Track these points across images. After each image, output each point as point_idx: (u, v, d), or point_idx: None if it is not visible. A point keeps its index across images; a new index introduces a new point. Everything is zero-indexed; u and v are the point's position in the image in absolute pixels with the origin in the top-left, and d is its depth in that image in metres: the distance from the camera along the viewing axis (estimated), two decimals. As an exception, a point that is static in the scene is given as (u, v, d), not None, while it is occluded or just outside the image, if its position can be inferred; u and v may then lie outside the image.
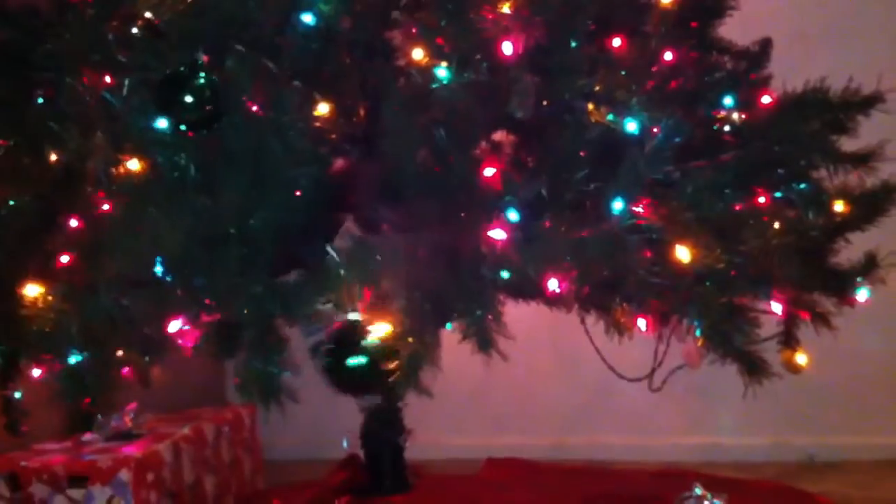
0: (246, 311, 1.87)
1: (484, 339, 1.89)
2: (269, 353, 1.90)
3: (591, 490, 2.78)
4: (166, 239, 1.80)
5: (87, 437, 2.63)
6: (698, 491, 2.36)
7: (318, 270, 1.81)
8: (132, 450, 2.50)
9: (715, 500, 2.33)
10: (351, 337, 1.87)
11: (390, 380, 1.82)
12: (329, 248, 1.82)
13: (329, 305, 1.84)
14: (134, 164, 1.81)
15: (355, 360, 1.88)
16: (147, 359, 2.15)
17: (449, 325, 1.95)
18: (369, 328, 1.84)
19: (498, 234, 1.83)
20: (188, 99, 1.74)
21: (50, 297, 1.87)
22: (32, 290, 1.89)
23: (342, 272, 1.78)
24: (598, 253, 1.86)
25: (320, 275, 1.80)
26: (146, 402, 2.72)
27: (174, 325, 1.90)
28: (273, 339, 1.91)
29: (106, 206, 1.86)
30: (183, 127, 1.76)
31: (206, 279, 1.87)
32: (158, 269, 1.88)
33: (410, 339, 1.81)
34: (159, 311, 1.88)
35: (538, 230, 1.85)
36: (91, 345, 1.93)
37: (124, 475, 2.39)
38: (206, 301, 1.88)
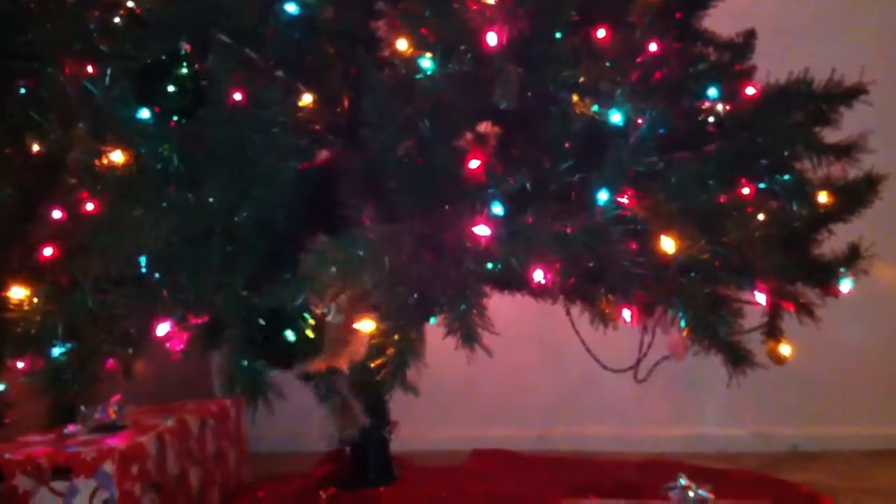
0: (228, 308, 1.87)
1: (468, 333, 1.88)
2: (255, 351, 1.89)
3: (576, 480, 2.79)
4: (149, 236, 1.79)
5: (71, 428, 2.61)
6: (683, 481, 2.36)
7: (299, 266, 1.81)
8: (116, 442, 2.49)
9: (699, 491, 2.34)
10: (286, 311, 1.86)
11: (377, 377, 1.81)
12: (311, 242, 1.81)
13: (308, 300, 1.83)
14: (116, 155, 1.80)
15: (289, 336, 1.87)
16: (131, 351, 2.14)
17: (433, 320, 1.94)
18: (354, 326, 1.84)
19: (482, 230, 1.83)
20: (169, 88, 1.73)
21: (35, 299, 1.86)
22: (17, 293, 1.89)
23: (323, 268, 1.77)
24: (582, 245, 1.86)
25: (301, 271, 1.79)
26: (130, 395, 2.71)
27: (162, 329, 1.89)
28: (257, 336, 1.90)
29: (90, 206, 1.85)
30: (165, 117, 1.75)
31: (189, 276, 1.86)
32: (142, 267, 1.88)
33: (395, 336, 1.81)
34: (144, 310, 1.87)
35: (522, 224, 1.85)
36: (74, 340, 1.92)
37: (108, 467, 2.39)
38: (190, 298, 1.87)
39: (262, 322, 1.86)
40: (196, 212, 1.80)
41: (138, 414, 2.74)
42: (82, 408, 2.60)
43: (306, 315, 1.83)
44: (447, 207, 1.90)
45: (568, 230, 1.87)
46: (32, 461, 2.41)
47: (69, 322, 1.88)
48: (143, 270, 1.90)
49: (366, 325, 1.84)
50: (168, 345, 1.94)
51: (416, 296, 1.85)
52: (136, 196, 1.80)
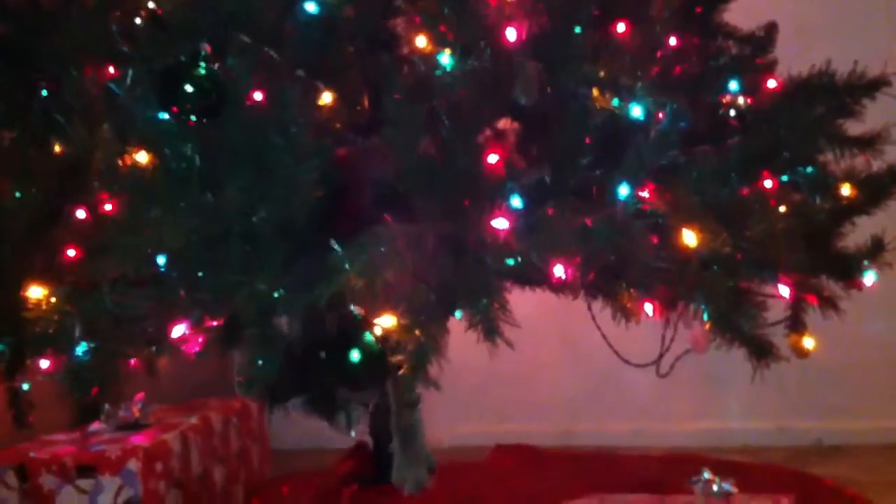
0: (247, 308, 1.87)
1: (490, 327, 1.88)
2: (272, 352, 1.90)
3: (599, 476, 2.79)
4: (168, 236, 1.79)
5: (95, 427, 2.63)
6: (706, 475, 2.36)
7: (321, 265, 1.81)
8: (140, 440, 2.51)
9: (723, 484, 2.33)
10: (350, 333, 1.87)
11: (399, 373, 1.81)
12: (332, 242, 1.81)
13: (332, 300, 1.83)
14: (140, 157, 1.80)
15: (355, 356, 1.88)
16: (154, 349, 2.15)
17: (458, 314, 1.94)
18: (374, 321, 1.84)
19: (501, 223, 1.82)
20: (188, 89, 1.73)
21: (53, 299, 1.87)
22: (36, 292, 1.89)
23: (346, 266, 1.77)
24: (602, 239, 1.85)
25: (323, 269, 1.80)
26: (154, 393, 2.73)
27: (178, 330, 1.90)
28: (276, 338, 1.90)
29: (109, 206, 1.86)
30: (184, 117, 1.76)
31: (207, 275, 1.86)
32: (161, 267, 1.88)
33: (417, 332, 1.81)
34: (161, 310, 1.88)
35: (541, 217, 1.84)
36: (93, 340, 1.93)
37: (133, 465, 2.40)
38: (207, 299, 1.87)
39: (325, 347, 1.87)
40: (215, 212, 1.81)
41: (162, 412, 2.76)
42: (106, 406, 2.62)
43: (367, 335, 1.84)
44: (467, 203, 1.90)
45: (588, 223, 1.86)
46: (57, 460, 2.42)
47: (87, 322, 1.88)
48: (162, 270, 1.91)
49: (386, 321, 1.84)
50: (183, 347, 1.94)
51: (437, 292, 1.85)
52: (156, 197, 1.80)
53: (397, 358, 1.82)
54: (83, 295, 1.87)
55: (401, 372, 1.81)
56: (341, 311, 1.88)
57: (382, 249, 1.76)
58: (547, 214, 1.85)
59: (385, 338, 1.82)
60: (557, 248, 1.85)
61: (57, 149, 2.04)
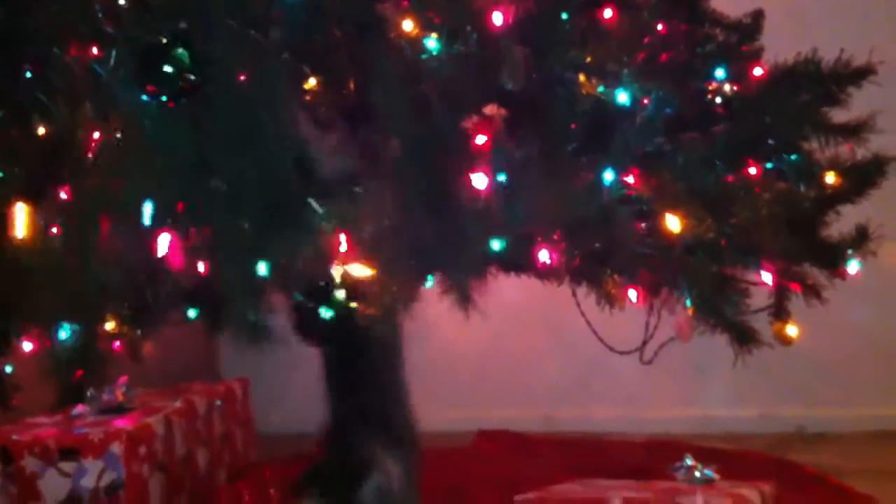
0: (232, 259, 1.87)
1: (464, 294, 1.88)
2: (254, 300, 1.89)
3: (582, 461, 2.80)
4: (153, 170, 1.79)
5: (79, 410, 2.63)
6: (689, 461, 2.37)
7: (299, 217, 1.80)
8: (124, 423, 2.51)
9: (705, 471, 2.35)
10: (323, 290, 1.86)
11: (368, 321, 1.81)
12: (310, 199, 1.81)
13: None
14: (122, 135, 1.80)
15: (327, 312, 1.87)
16: (139, 332, 2.15)
17: (430, 279, 1.94)
18: (348, 269, 1.82)
19: (480, 180, 1.82)
20: (167, 70, 1.73)
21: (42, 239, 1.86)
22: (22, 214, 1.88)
23: (323, 219, 1.77)
24: (584, 209, 1.85)
25: (301, 222, 1.79)
26: (137, 378, 2.72)
27: (163, 243, 1.88)
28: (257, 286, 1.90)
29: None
30: (162, 98, 1.75)
31: (193, 222, 1.86)
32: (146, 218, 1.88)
33: (389, 283, 1.80)
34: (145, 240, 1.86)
35: (522, 179, 1.84)
36: (82, 301, 1.92)
37: (116, 448, 2.40)
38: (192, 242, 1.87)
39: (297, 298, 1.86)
40: (199, 150, 1.81)
41: (145, 396, 2.75)
42: (90, 390, 2.61)
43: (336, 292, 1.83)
44: (448, 164, 1.88)
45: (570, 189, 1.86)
46: (40, 442, 2.42)
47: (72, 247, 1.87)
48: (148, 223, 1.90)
49: (361, 270, 1.83)
50: (169, 261, 1.92)
51: (413, 253, 1.84)
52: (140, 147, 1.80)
53: (368, 308, 1.81)
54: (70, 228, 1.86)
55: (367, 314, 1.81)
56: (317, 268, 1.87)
57: (361, 205, 1.76)
58: (529, 177, 1.84)
59: (358, 289, 1.82)
60: (538, 215, 1.84)
61: (41, 130, 2.03)
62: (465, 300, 1.89)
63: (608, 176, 1.91)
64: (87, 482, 2.40)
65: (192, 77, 1.74)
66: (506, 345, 3.51)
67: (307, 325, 2.05)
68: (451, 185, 1.85)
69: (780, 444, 2.99)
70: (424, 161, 1.87)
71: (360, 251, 1.80)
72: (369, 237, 1.79)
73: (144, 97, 1.76)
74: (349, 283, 1.84)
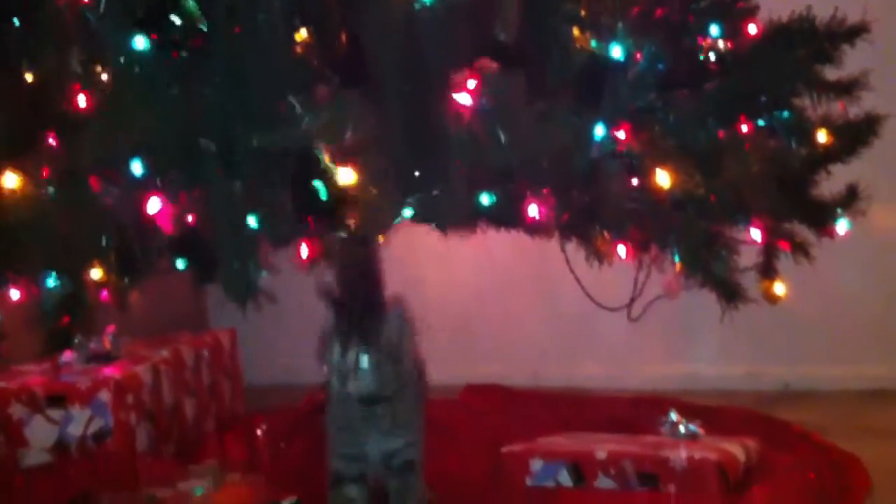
0: (221, 210, 1.86)
1: (443, 218, 1.88)
2: (245, 252, 1.89)
3: (568, 416, 2.82)
4: (143, 125, 1.78)
5: (66, 358, 2.63)
6: (674, 417, 2.39)
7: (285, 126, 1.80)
8: (111, 371, 2.51)
9: (690, 426, 2.37)
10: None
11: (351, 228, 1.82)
12: (294, 101, 1.80)
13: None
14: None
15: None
16: (126, 281, 2.14)
17: (408, 210, 1.93)
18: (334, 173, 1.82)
19: (464, 98, 1.81)
20: (175, 21, 1.71)
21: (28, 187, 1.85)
22: (11, 180, 1.87)
23: (307, 119, 1.76)
24: (567, 127, 1.84)
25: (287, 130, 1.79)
26: (125, 328, 2.72)
27: (153, 205, 1.87)
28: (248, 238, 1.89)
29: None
30: (168, 49, 1.74)
31: (184, 172, 1.85)
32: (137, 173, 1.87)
33: (373, 190, 1.80)
34: (136, 196, 1.85)
35: (507, 100, 1.83)
36: (70, 252, 1.91)
37: (104, 396, 2.41)
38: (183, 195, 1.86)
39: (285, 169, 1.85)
40: (189, 107, 1.79)
41: (133, 345, 2.75)
42: (77, 338, 2.61)
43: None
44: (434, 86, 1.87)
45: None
46: (27, 390, 2.43)
47: (63, 208, 1.86)
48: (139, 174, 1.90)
49: (346, 175, 1.83)
50: (159, 223, 1.91)
51: (395, 171, 1.84)
52: (130, 85, 1.78)
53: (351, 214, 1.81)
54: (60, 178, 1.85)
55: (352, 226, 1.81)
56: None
57: (345, 113, 1.75)
58: (513, 98, 1.83)
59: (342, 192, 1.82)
60: (521, 139, 1.83)
61: (29, 78, 2.01)
62: (443, 223, 1.89)
63: (599, 130, 1.90)
64: (75, 430, 2.41)
65: (201, 28, 1.72)
66: (493, 301, 3.52)
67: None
68: (435, 104, 1.83)
69: (765, 402, 3.01)
70: (409, 86, 1.85)
71: (344, 158, 1.79)
72: (353, 145, 1.78)
73: (145, 47, 1.75)
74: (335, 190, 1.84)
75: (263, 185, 1.87)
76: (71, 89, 1.81)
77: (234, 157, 1.84)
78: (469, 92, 1.82)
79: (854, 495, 2.18)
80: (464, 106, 1.82)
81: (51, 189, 1.88)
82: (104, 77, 1.80)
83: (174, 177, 1.86)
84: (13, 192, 1.84)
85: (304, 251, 2.07)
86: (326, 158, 1.82)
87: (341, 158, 1.81)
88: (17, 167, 1.85)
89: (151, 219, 1.88)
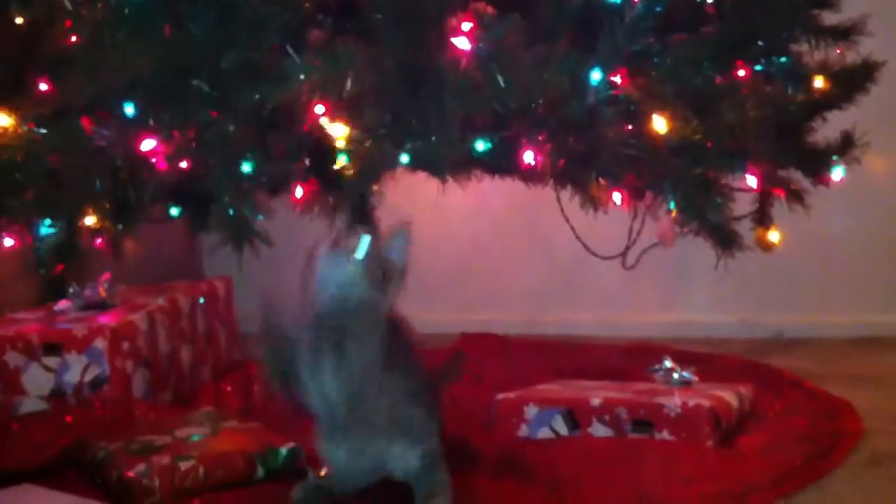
0: (215, 150, 1.85)
1: (440, 164, 1.88)
2: (240, 194, 1.89)
3: (563, 363, 2.83)
4: (133, 58, 1.76)
5: (61, 306, 2.63)
6: (668, 364, 2.40)
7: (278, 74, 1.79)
8: (107, 319, 2.51)
9: (683, 373, 2.38)
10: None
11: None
12: (289, 49, 1.79)
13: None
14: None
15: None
16: (120, 228, 2.13)
17: (405, 156, 1.92)
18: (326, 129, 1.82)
19: (462, 42, 1.80)
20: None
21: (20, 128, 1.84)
22: (2, 120, 1.85)
23: (301, 75, 1.75)
24: (565, 72, 1.83)
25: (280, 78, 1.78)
26: (120, 278, 2.72)
27: (147, 144, 1.86)
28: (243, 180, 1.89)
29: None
30: None
31: (176, 112, 1.84)
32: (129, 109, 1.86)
33: (367, 143, 1.79)
34: (129, 135, 1.85)
35: (504, 42, 1.81)
36: (63, 197, 1.90)
37: (99, 343, 2.41)
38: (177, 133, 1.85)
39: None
40: (181, 46, 1.78)
41: (128, 293, 2.75)
42: (72, 286, 2.61)
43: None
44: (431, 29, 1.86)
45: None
46: (23, 337, 2.42)
47: (55, 149, 1.85)
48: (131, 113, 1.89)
49: (338, 129, 1.82)
50: (153, 161, 1.91)
51: (391, 120, 1.83)
52: (120, 22, 1.77)
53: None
54: (52, 121, 1.84)
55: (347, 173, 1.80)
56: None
57: (340, 63, 1.74)
58: (508, 39, 1.81)
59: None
60: (521, 89, 1.81)
61: (19, 20, 1.99)
62: (441, 171, 1.89)
63: (596, 75, 1.89)
64: (71, 377, 2.41)
65: None
66: (487, 249, 3.52)
67: None
68: (431, 48, 1.82)
69: (758, 350, 3.02)
70: (404, 29, 1.84)
71: (338, 110, 1.78)
72: (347, 95, 1.77)
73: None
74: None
75: (257, 127, 1.86)
76: (62, 28, 1.80)
77: (228, 98, 1.83)
78: (466, 35, 1.81)
79: (846, 440, 2.19)
80: (461, 50, 1.81)
81: (42, 130, 1.87)
82: (95, 15, 1.78)
83: (167, 116, 1.85)
84: (4, 132, 1.82)
85: (299, 192, 2.06)
86: (322, 111, 1.81)
87: (338, 111, 1.80)
88: (8, 108, 1.84)
89: (145, 159, 1.87)
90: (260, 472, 2.04)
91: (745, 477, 2.01)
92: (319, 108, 1.81)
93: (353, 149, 1.81)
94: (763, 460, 2.09)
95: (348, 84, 1.78)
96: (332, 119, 1.81)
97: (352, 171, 1.82)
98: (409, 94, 1.86)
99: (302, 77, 1.76)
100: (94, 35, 1.79)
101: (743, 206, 2.27)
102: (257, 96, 1.81)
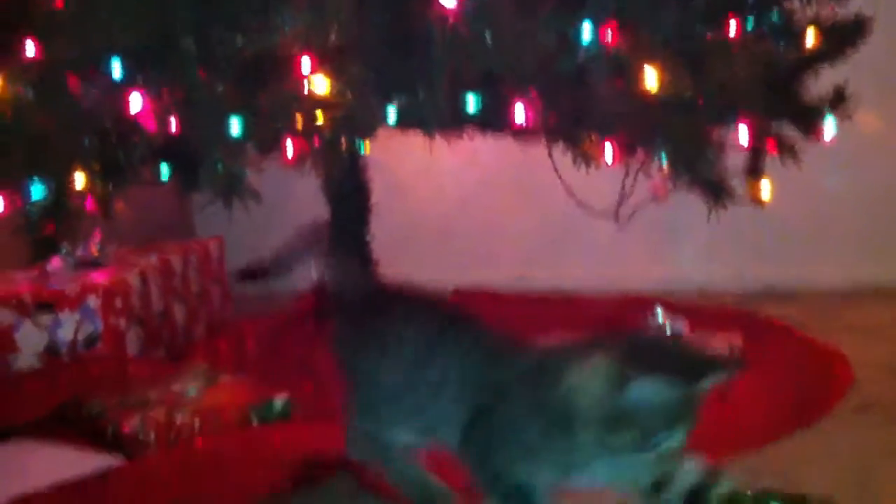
0: (205, 108, 1.84)
1: (428, 120, 1.87)
2: (229, 151, 1.88)
3: (555, 316, 2.84)
4: (121, 21, 1.75)
5: (54, 265, 2.63)
6: (659, 316, 2.42)
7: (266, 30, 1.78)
8: (99, 277, 2.51)
9: (675, 325, 2.39)
10: None
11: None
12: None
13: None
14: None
15: None
16: (110, 188, 2.13)
17: (392, 114, 1.91)
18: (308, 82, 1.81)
19: (448, 1, 1.79)
20: None
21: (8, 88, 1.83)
22: None
23: (285, 26, 1.75)
24: (554, 27, 1.82)
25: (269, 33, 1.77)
26: (112, 238, 2.72)
27: (135, 103, 1.85)
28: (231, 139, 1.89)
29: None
30: None
31: (164, 71, 1.83)
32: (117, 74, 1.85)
33: (349, 95, 1.79)
34: (117, 96, 1.84)
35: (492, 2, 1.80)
36: (52, 158, 1.90)
37: (92, 301, 2.41)
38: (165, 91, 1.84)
39: None
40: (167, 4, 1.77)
41: (120, 253, 2.75)
42: (63, 245, 2.60)
43: None
44: None
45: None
46: (16, 296, 2.43)
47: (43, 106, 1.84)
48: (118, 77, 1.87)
49: (321, 83, 1.81)
50: (141, 122, 1.90)
51: (377, 75, 1.83)
52: None
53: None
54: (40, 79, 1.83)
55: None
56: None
57: (326, 12, 1.73)
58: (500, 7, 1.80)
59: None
60: (508, 46, 1.81)
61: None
62: (429, 126, 1.88)
63: (586, 29, 1.88)
64: (65, 335, 2.42)
65: None
66: (478, 207, 3.52)
67: None
68: (418, 4, 1.81)
69: (750, 302, 3.04)
70: None
71: (322, 64, 1.77)
72: (332, 48, 1.76)
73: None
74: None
75: (245, 85, 1.85)
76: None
77: (215, 57, 1.81)
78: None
79: (837, 389, 2.21)
80: (447, 9, 1.80)
81: (30, 90, 1.86)
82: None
83: (155, 75, 1.83)
84: None
85: (290, 149, 2.05)
86: (306, 63, 1.80)
87: (322, 63, 1.79)
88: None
89: (133, 119, 1.86)
90: (255, 423, 2.06)
91: (736, 423, 2.02)
92: (306, 61, 1.80)
93: (334, 102, 1.80)
94: (754, 407, 2.11)
95: (332, 35, 1.76)
96: (316, 72, 1.79)
97: (332, 126, 1.81)
98: (396, 49, 1.84)
99: (287, 29, 1.75)
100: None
101: (737, 162, 2.27)
102: (241, 44, 1.79)
